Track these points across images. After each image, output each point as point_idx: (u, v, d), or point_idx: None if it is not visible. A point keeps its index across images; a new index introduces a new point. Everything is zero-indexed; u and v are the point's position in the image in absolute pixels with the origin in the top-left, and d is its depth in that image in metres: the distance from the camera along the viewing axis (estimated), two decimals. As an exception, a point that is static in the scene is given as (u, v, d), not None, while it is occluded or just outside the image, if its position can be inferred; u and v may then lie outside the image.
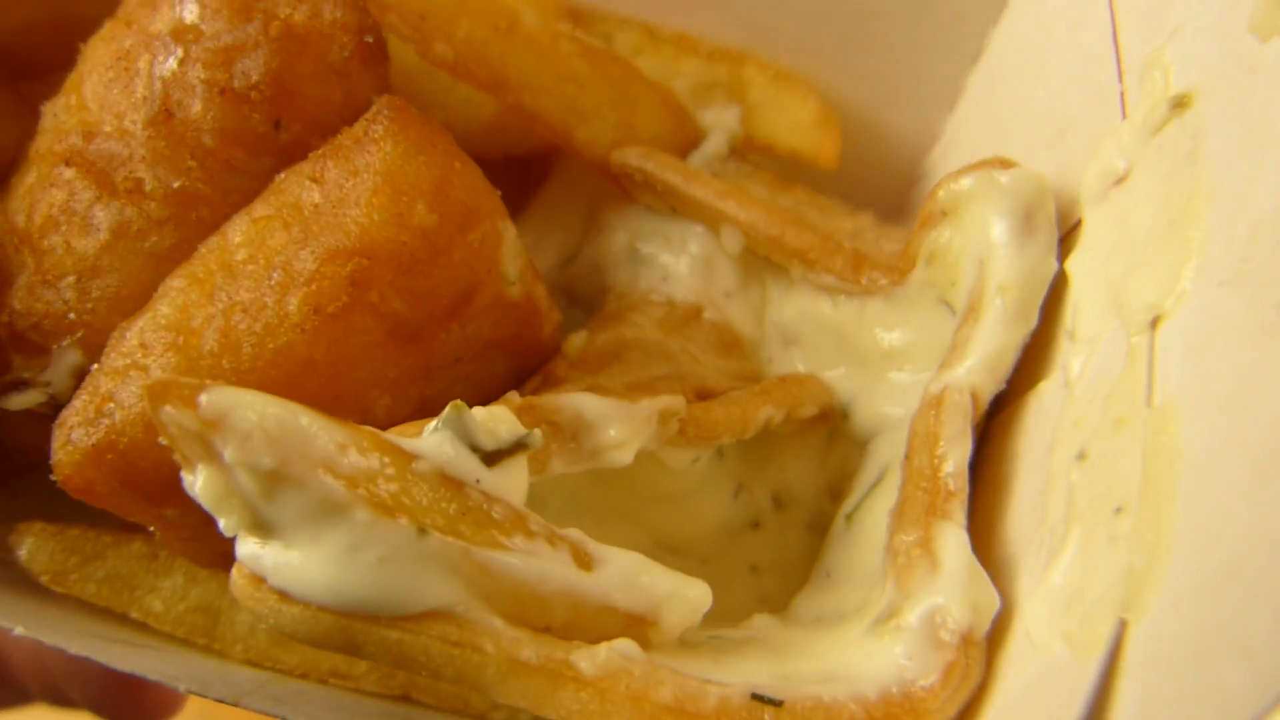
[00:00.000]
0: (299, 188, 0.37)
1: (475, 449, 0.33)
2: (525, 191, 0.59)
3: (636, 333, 0.47)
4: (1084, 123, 0.42)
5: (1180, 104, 0.35)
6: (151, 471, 0.35)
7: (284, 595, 0.31)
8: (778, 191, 0.54)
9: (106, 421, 0.35)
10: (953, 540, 0.34)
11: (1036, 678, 0.30)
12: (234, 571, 0.32)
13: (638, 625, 0.34)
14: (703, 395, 0.44)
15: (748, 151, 0.56)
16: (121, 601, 0.44)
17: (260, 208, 0.38)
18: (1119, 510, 0.30)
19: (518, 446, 0.34)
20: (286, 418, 0.30)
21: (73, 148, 0.44)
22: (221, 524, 0.31)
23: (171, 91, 0.43)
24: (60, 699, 0.58)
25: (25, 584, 0.47)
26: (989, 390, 0.38)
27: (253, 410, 0.29)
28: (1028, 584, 0.33)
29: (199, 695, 0.39)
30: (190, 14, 0.43)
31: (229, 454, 0.29)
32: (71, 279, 0.43)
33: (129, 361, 0.36)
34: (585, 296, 0.55)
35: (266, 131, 0.43)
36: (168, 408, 0.29)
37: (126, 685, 0.56)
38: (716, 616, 0.45)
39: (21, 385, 0.44)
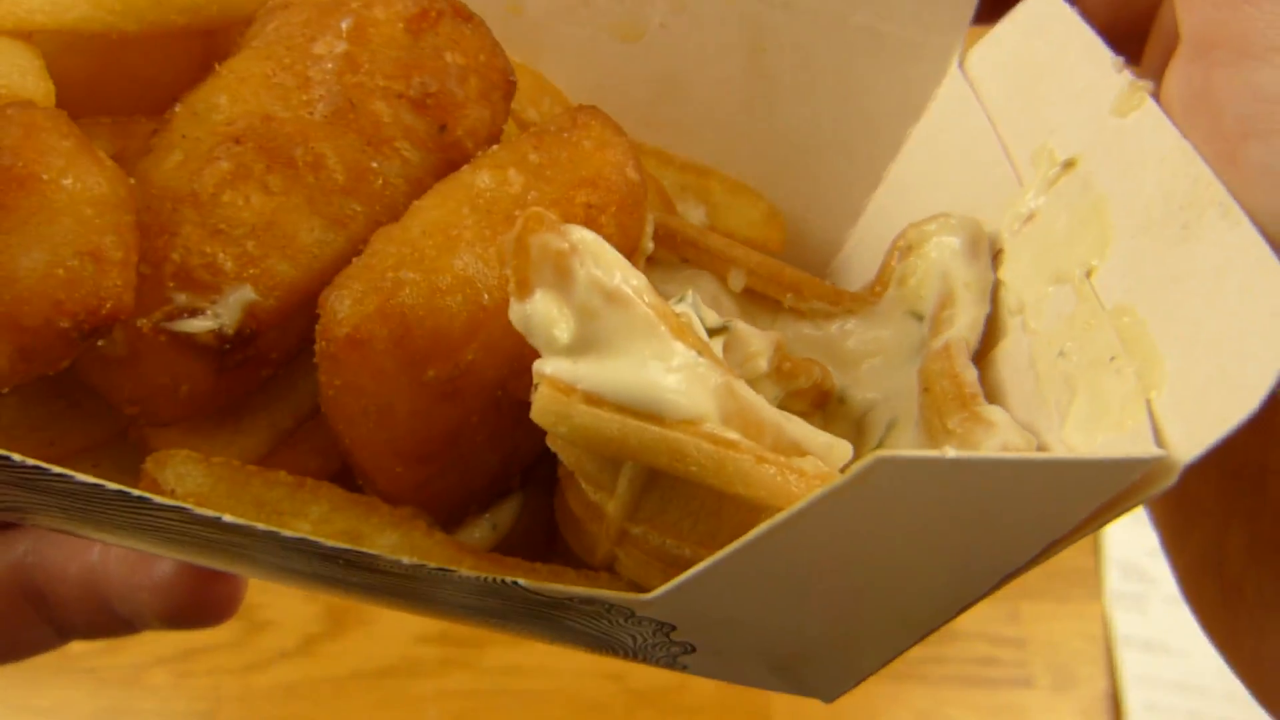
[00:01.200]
0: (525, 154, 0.48)
1: (702, 323, 0.45)
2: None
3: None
4: (985, 203, 0.63)
5: (1068, 165, 0.57)
6: (424, 339, 0.42)
7: (591, 397, 0.39)
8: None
9: (392, 286, 0.42)
10: (992, 409, 0.50)
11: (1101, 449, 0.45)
12: (542, 387, 0.40)
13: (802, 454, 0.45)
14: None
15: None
16: (270, 523, 0.47)
17: (489, 160, 0.48)
18: (1112, 358, 0.47)
19: (723, 329, 0.46)
20: (614, 254, 0.40)
21: (244, 129, 0.51)
22: (548, 345, 0.40)
23: (354, 90, 0.52)
24: (109, 624, 0.60)
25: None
26: (975, 340, 0.56)
27: (596, 244, 0.39)
28: (1052, 432, 0.49)
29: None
30: (358, 44, 0.54)
31: (582, 273, 0.39)
32: (246, 229, 0.49)
33: (408, 250, 0.43)
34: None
35: (434, 132, 0.53)
36: (541, 234, 0.38)
37: (191, 585, 0.59)
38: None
39: (194, 312, 0.48)
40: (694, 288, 0.65)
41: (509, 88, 0.55)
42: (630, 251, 0.50)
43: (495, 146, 0.50)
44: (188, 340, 0.47)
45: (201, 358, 0.47)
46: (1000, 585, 0.45)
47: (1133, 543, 1.25)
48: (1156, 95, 0.51)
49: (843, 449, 0.46)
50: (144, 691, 1.15)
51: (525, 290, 0.39)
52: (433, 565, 0.44)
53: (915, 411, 0.55)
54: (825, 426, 0.61)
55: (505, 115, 0.56)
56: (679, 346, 0.40)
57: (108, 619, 0.60)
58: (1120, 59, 0.54)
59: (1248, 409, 0.38)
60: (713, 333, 0.46)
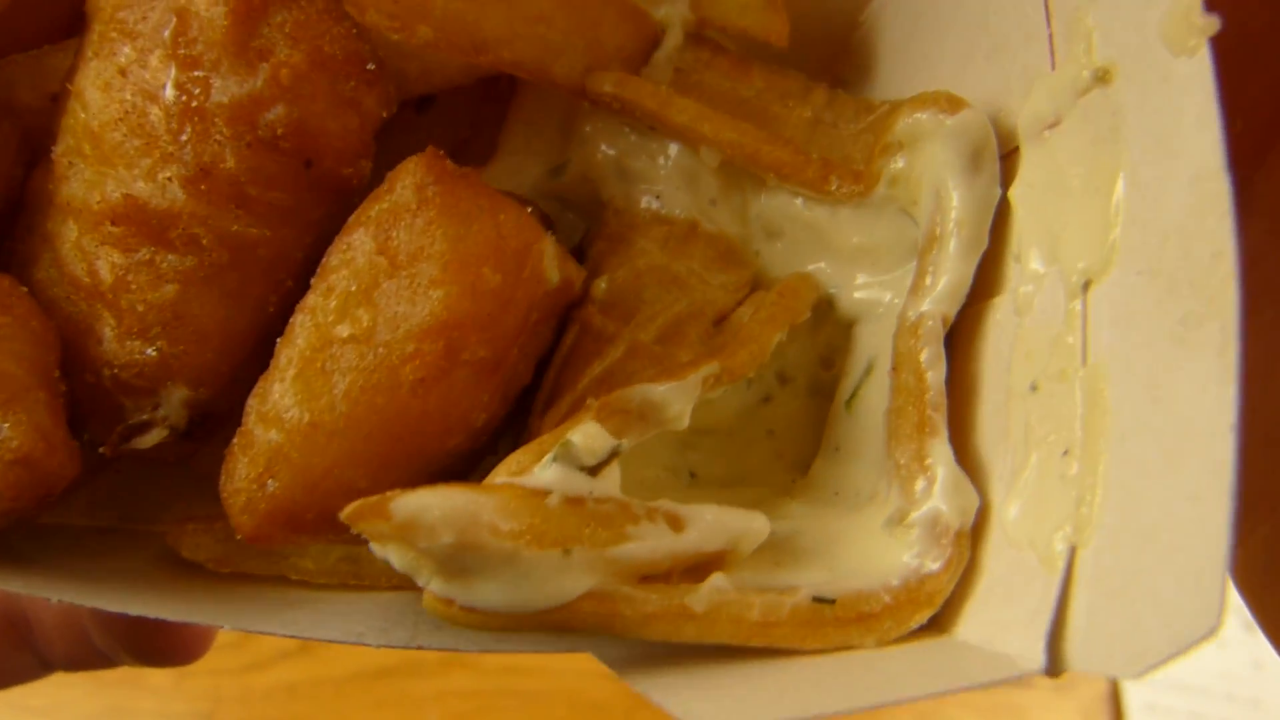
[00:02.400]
0: (369, 259, 0.43)
1: (582, 468, 0.43)
2: (495, 100, 0.62)
3: (647, 260, 0.54)
4: (1016, 52, 0.47)
5: (1101, 78, 0.42)
6: (315, 518, 0.44)
7: (471, 610, 0.42)
8: (737, 80, 0.58)
9: (272, 490, 0.43)
10: (940, 455, 0.46)
11: (1013, 570, 0.43)
12: (425, 596, 0.42)
13: (721, 557, 0.45)
14: (719, 320, 0.53)
15: (703, 32, 0.59)
16: (279, 569, 0.54)
17: (338, 281, 0.43)
18: (1066, 453, 0.41)
19: (612, 454, 0.44)
20: (456, 505, 0.39)
21: (114, 206, 0.47)
22: (417, 580, 0.41)
23: (200, 150, 0.45)
24: (87, 657, 0.61)
25: (181, 561, 0.57)
26: (954, 311, 0.48)
27: (432, 508, 0.38)
28: (999, 488, 0.45)
29: (387, 648, 0.50)
30: (188, 64, 0.45)
31: (421, 543, 0.39)
32: (158, 329, 0.49)
33: (276, 441, 0.43)
34: (580, 203, 0.60)
35: (299, 171, 0.46)
36: (366, 523, 0.38)
37: (162, 626, 0.59)
38: (750, 472, 0.58)
39: (144, 427, 0.51)
40: (660, 162, 0.57)
41: (371, 75, 0.46)
42: (518, 333, 0.45)
43: (341, 246, 0.44)
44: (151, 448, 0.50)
45: (167, 446, 0.51)
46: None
47: None
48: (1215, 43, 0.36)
49: (756, 530, 0.45)
50: (144, 691, 1.12)
51: (379, 545, 0.40)
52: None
53: (888, 379, 0.50)
54: (816, 328, 0.57)
55: (382, 98, 0.47)
56: (541, 557, 0.40)
57: (86, 652, 0.60)
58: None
59: (1126, 674, 0.35)
60: (597, 468, 0.43)
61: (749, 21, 0.58)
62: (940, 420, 0.46)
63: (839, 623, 0.44)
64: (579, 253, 0.59)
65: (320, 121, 0.45)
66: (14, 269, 0.51)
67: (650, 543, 0.43)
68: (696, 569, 0.45)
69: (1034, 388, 0.44)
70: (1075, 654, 0.38)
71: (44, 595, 0.50)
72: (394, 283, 0.42)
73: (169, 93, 0.45)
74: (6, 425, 0.46)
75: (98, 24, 0.48)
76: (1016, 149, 0.47)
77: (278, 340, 0.45)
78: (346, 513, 0.38)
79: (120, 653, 0.60)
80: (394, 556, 0.40)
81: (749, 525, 0.46)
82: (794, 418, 0.57)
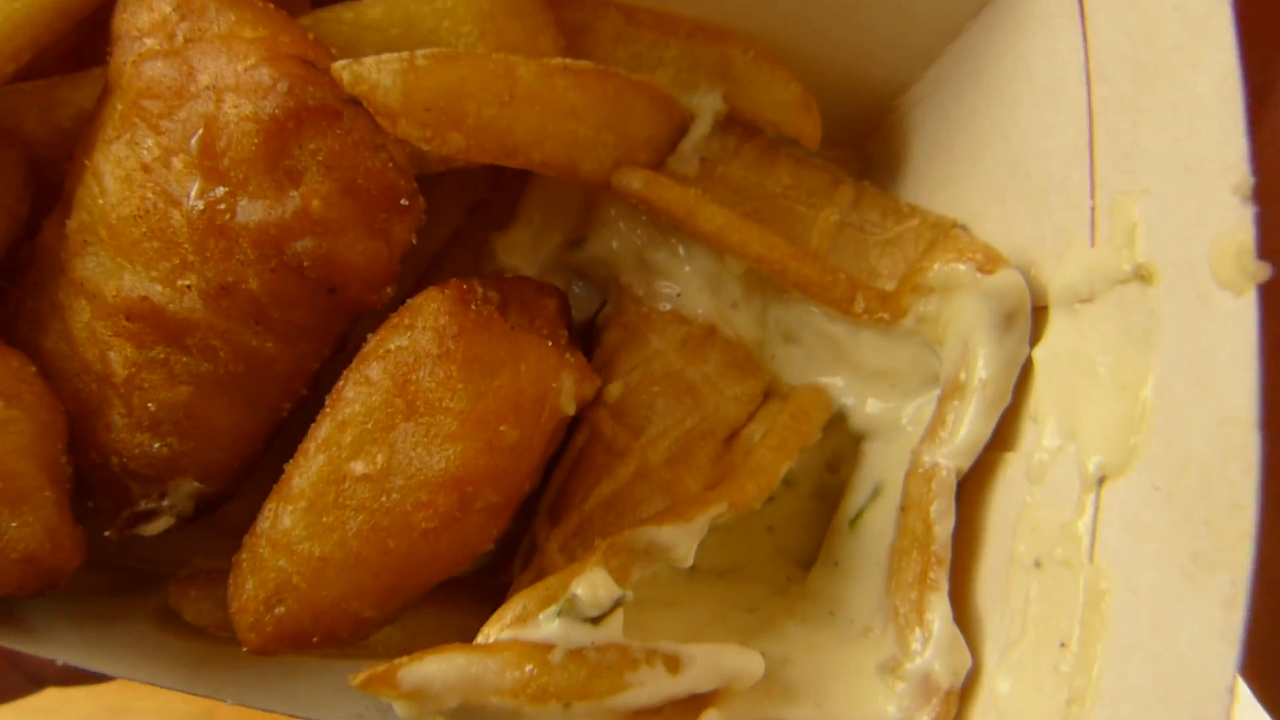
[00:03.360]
0: (387, 401, 0.42)
1: (585, 619, 0.44)
2: (514, 181, 0.61)
3: (662, 363, 0.54)
4: (1054, 210, 0.47)
5: (1143, 276, 0.41)
6: (320, 639, 0.45)
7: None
8: (763, 174, 0.57)
9: (280, 613, 0.44)
10: (939, 610, 0.46)
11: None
12: None
13: (714, 698, 0.47)
14: (729, 437, 0.54)
15: (732, 125, 0.58)
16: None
17: (355, 419, 0.43)
18: (1063, 645, 0.42)
19: (616, 605, 0.44)
20: (461, 671, 0.40)
21: (130, 304, 0.47)
22: (422, 716, 0.42)
23: (223, 270, 0.45)
24: (78, 673, 0.58)
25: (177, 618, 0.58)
26: (968, 465, 0.48)
27: (437, 678, 0.39)
28: (992, 653, 0.46)
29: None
30: (213, 177, 0.44)
31: (429, 708, 0.40)
32: (169, 426, 0.49)
33: (285, 567, 0.44)
34: (596, 279, 0.60)
35: (322, 295, 0.46)
36: (377, 690, 0.39)
37: None
38: (747, 565, 0.58)
39: (151, 515, 0.51)
40: (683, 261, 0.56)
41: (404, 210, 0.45)
42: (529, 475, 0.46)
43: (356, 380, 0.43)
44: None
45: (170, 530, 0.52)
46: None
47: None
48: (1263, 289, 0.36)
49: (751, 671, 0.47)
50: (144, 691, 1.10)
51: (390, 698, 0.41)
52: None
53: (896, 507, 0.51)
54: (825, 436, 0.57)
55: (412, 224, 0.46)
56: (546, 711, 0.42)
57: (77, 670, 0.57)
58: (1249, 175, 0.36)
59: None
60: (601, 618, 0.44)
61: (781, 118, 0.57)
62: (943, 577, 0.47)
63: (827, 773, 0.45)
64: (591, 326, 0.59)
65: (348, 253, 0.44)
66: (21, 324, 0.51)
67: (649, 689, 0.44)
68: (690, 703, 0.46)
69: (1038, 564, 0.45)
70: None
71: (49, 656, 0.51)
72: (411, 426, 0.42)
73: (192, 203, 0.44)
74: (14, 525, 0.46)
75: (120, 102, 0.47)
76: (1045, 307, 0.47)
77: (287, 465, 0.46)
78: (357, 682, 0.39)
79: None
80: (401, 712, 0.41)
81: (744, 667, 0.47)
82: (795, 516, 0.58)
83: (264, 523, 0.45)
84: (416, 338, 0.43)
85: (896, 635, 0.47)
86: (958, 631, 0.46)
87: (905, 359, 0.53)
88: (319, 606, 0.44)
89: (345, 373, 0.45)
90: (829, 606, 0.54)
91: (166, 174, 0.45)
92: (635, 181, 0.54)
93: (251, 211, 0.44)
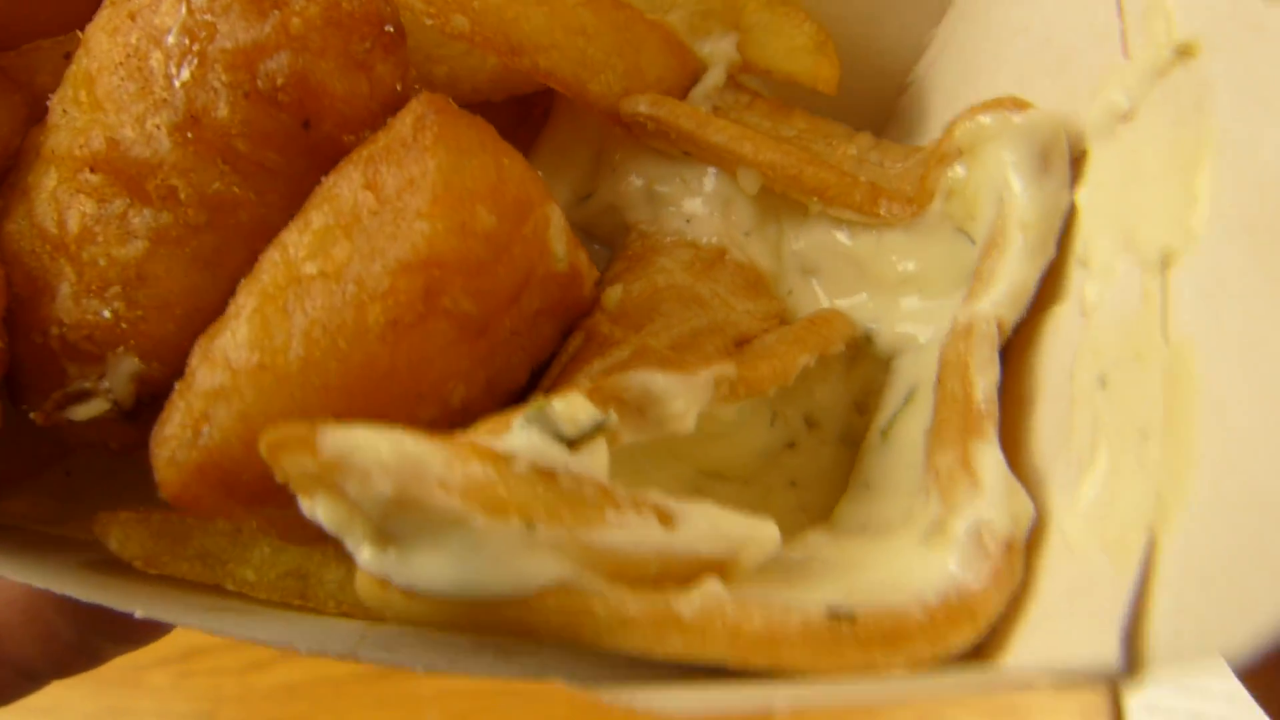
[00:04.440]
0: (353, 194, 0.38)
1: (559, 438, 0.36)
2: (529, 125, 0.61)
3: (668, 279, 0.49)
4: (1084, 56, 0.44)
5: (1185, 52, 0.38)
6: (253, 481, 0.38)
7: (410, 593, 0.34)
8: (778, 121, 0.55)
9: (206, 441, 0.38)
10: (989, 458, 0.38)
11: (1077, 581, 0.34)
12: (358, 576, 0.35)
13: (717, 567, 0.37)
14: (740, 342, 0.48)
15: (745, 76, 0.57)
16: (215, 575, 0.47)
17: (317, 216, 0.39)
18: (1144, 436, 0.34)
19: (596, 429, 0.37)
20: (400, 449, 0.32)
21: (96, 153, 0.45)
22: (345, 541, 0.34)
23: (194, 96, 0.43)
24: (64, 655, 0.56)
25: (112, 566, 0.50)
26: (1013, 319, 0.42)
27: (369, 448, 0.32)
28: (1059, 496, 0.37)
29: (318, 655, 0.43)
30: (199, 8, 0.44)
31: (352, 490, 0.32)
32: (117, 288, 0.45)
33: (219, 383, 0.38)
34: (604, 234, 0.57)
35: (296, 132, 0.43)
36: (288, 456, 0.31)
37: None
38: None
39: (84, 395, 0.46)
40: (693, 188, 0.53)
41: (389, 40, 0.43)
42: (512, 297, 0.40)
43: (332, 179, 0.40)
44: (90, 421, 0.45)
45: (111, 425, 0.46)
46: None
47: None
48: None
49: (764, 538, 0.38)
50: (144, 691, 1.12)
51: (303, 494, 0.33)
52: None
53: (932, 395, 0.44)
54: (850, 367, 0.51)
55: (398, 68, 0.44)
56: (500, 526, 0.33)
57: (60, 647, 0.56)
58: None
59: (1225, 657, 0.26)
60: (581, 440, 0.37)
61: (797, 66, 0.56)
62: (990, 426, 0.39)
63: (860, 641, 0.35)
64: (599, 285, 0.55)
65: (326, 79, 0.43)
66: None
67: (634, 533, 0.36)
68: (689, 580, 0.37)
69: (1103, 383, 0.37)
70: (1161, 647, 0.29)
71: None
72: (378, 219, 0.38)
73: (173, 36, 0.44)
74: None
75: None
76: (1084, 154, 0.43)
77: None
78: (266, 439, 0.31)
79: (91, 636, 0.55)
80: (322, 511, 0.33)
81: (754, 532, 0.38)
82: (821, 469, 0.50)
83: (201, 339, 0.40)
84: (392, 134, 0.40)
85: (940, 496, 0.38)
86: (1015, 479, 0.38)
87: (936, 255, 0.48)
88: (252, 427, 0.37)
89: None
90: (861, 523, 0.45)
91: (153, 16, 0.45)
92: (642, 103, 0.52)
93: (230, 34, 0.43)
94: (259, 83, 0.42)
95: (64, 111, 0.47)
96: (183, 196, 0.43)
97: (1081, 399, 0.38)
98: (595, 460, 0.37)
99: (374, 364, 0.37)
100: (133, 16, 0.45)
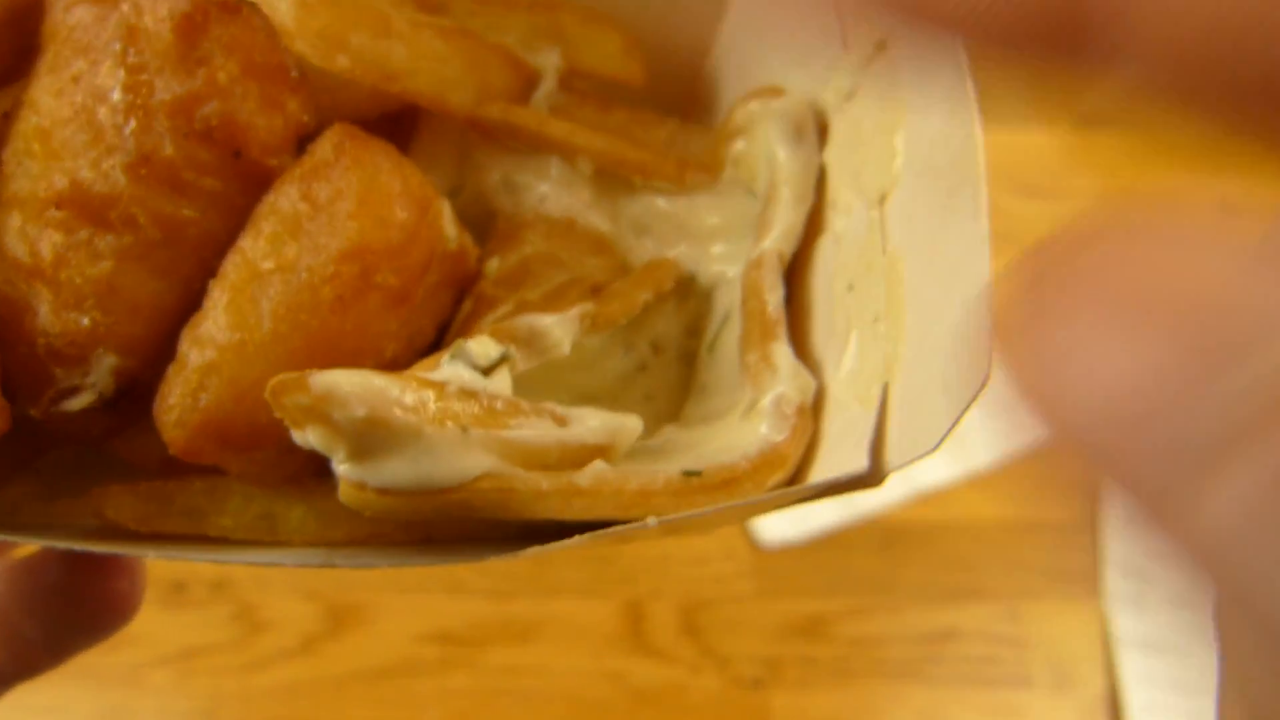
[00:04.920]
0: (293, 205, 0.50)
1: (475, 367, 0.50)
2: (400, 137, 0.72)
3: (533, 248, 0.63)
4: (819, 52, 0.60)
5: (879, 47, 0.54)
6: (243, 431, 0.50)
7: (383, 491, 0.47)
8: (604, 114, 0.70)
9: (204, 404, 0.49)
10: (781, 352, 0.54)
11: (844, 426, 0.50)
12: (341, 484, 0.48)
13: (600, 452, 0.52)
14: (595, 289, 0.62)
15: (572, 80, 0.71)
16: (198, 527, 0.58)
17: (266, 225, 0.51)
18: (876, 319, 0.50)
19: (501, 359, 0.51)
20: (365, 382, 0.45)
21: (60, 193, 0.54)
22: (332, 458, 0.47)
23: (142, 141, 0.54)
24: (28, 654, 0.59)
25: (105, 533, 0.60)
26: (789, 250, 0.58)
27: (344, 382, 0.45)
28: (830, 371, 0.53)
29: (301, 568, 0.55)
30: (135, 69, 0.54)
31: (336, 415, 0.45)
32: (92, 300, 0.55)
33: (208, 359, 0.49)
34: (473, 221, 0.70)
35: (229, 160, 0.55)
36: (288, 396, 0.44)
37: (82, 590, 0.59)
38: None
39: (74, 390, 0.56)
40: (543, 174, 0.67)
41: (294, 83, 0.55)
42: (422, 271, 0.53)
43: (269, 197, 0.52)
44: (77, 412, 0.55)
45: (93, 415, 0.56)
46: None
47: (1133, 543, 1.14)
48: None
49: (629, 428, 0.52)
50: (144, 691, 1.13)
51: (298, 426, 0.46)
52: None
53: (739, 311, 0.59)
54: (681, 302, 0.66)
55: (305, 103, 0.56)
56: (443, 432, 0.47)
57: (24, 646, 0.58)
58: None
59: (924, 449, 0.42)
60: (491, 368, 0.51)
61: (610, 68, 0.70)
62: (780, 329, 0.55)
63: (706, 489, 0.50)
64: (479, 258, 0.68)
65: (249, 118, 0.54)
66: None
67: (540, 431, 0.50)
68: (581, 464, 0.51)
69: (850, 288, 0.53)
70: (891, 459, 0.45)
71: None
72: (315, 223, 0.50)
73: (116, 94, 0.54)
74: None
75: (53, 45, 0.57)
76: (826, 125, 0.59)
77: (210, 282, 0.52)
78: (271, 385, 0.44)
79: (58, 631, 0.60)
80: (313, 436, 0.46)
81: (624, 423, 0.53)
82: (668, 383, 0.65)
83: (186, 331, 0.51)
84: (317, 157, 0.52)
85: (752, 383, 0.54)
86: (799, 363, 0.54)
87: (732, 210, 0.63)
88: (240, 387, 0.49)
89: (258, 206, 0.53)
90: (701, 416, 0.60)
91: (94, 79, 0.55)
92: (494, 110, 0.65)
93: (167, 89, 0.53)
94: (196, 125, 0.53)
95: (19, 163, 0.56)
96: (141, 221, 0.54)
97: (838, 302, 0.54)
98: (503, 383, 0.51)
99: (328, 329, 0.50)
100: (75, 80, 0.55)
